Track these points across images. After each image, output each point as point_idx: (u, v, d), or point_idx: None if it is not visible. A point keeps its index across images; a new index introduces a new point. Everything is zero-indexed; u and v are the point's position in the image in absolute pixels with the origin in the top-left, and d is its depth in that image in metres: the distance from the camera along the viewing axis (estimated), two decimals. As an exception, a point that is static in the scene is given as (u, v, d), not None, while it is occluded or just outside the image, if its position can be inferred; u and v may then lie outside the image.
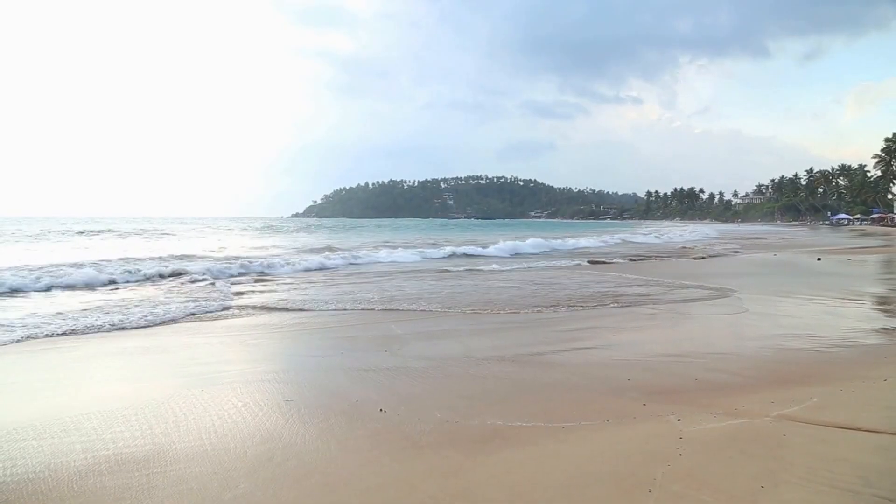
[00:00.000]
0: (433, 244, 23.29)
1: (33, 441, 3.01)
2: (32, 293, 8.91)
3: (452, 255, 18.00)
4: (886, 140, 76.20)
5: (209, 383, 4.09)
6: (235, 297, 8.67)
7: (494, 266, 14.19)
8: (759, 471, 2.54)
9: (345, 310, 7.54)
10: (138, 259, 14.11)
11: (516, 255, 18.94)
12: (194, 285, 10.13)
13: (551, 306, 7.67)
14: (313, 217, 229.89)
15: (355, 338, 5.78)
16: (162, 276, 11.18)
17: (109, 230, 37.91)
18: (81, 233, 34.47)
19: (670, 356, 4.79)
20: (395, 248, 19.89)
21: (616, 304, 7.77)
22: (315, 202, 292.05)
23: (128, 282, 10.47)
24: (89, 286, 9.75)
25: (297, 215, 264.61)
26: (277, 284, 10.67)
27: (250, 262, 13.49)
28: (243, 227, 56.89)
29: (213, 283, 10.30)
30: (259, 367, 4.63)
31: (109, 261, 13.23)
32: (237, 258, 14.85)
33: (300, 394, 3.83)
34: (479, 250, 19.26)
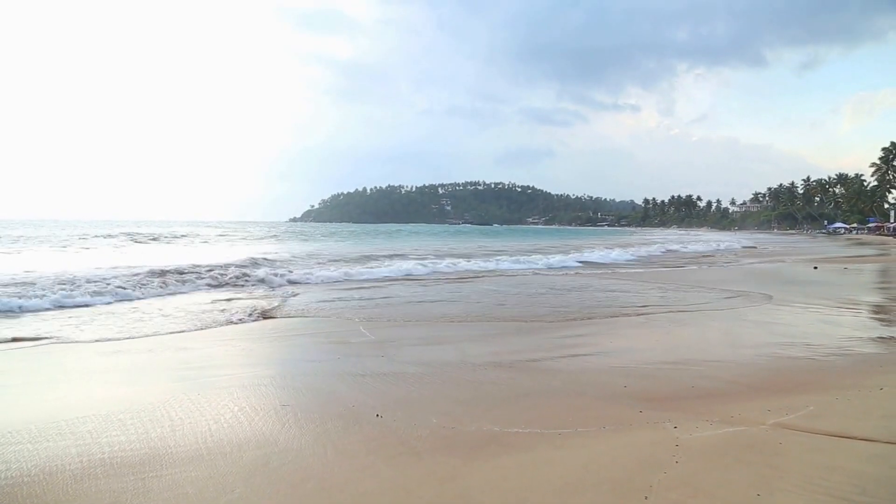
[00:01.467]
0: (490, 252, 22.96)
1: (29, 444, 3.00)
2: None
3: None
4: (884, 149, 76.56)
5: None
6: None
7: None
8: (755, 479, 2.55)
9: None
10: (226, 264, 13.96)
11: (586, 263, 19.09)
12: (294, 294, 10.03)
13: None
14: (311, 221, 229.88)
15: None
16: (248, 280, 11.52)
17: (124, 233, 37.81)
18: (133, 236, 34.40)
19: (667, 363, 4.80)
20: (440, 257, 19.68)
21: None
22: (313, 206, 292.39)
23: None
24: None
25: (294, 220, 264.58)
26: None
27: (349, 275, 13.23)
28: (261, 231, 55.75)
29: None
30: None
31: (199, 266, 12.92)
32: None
33: (296, 399, 3.83)
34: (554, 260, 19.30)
